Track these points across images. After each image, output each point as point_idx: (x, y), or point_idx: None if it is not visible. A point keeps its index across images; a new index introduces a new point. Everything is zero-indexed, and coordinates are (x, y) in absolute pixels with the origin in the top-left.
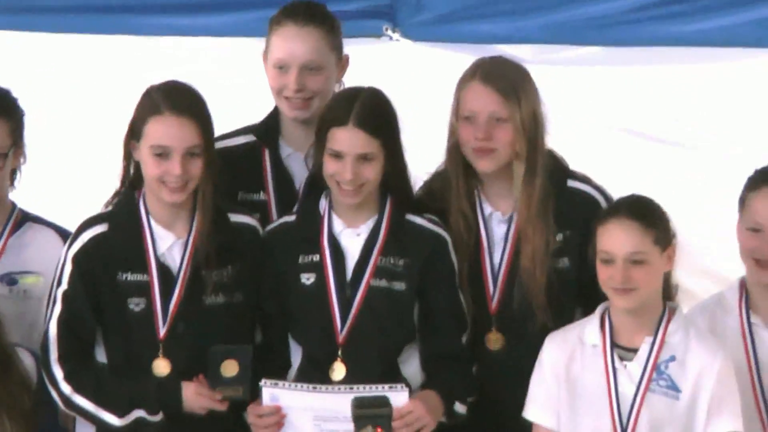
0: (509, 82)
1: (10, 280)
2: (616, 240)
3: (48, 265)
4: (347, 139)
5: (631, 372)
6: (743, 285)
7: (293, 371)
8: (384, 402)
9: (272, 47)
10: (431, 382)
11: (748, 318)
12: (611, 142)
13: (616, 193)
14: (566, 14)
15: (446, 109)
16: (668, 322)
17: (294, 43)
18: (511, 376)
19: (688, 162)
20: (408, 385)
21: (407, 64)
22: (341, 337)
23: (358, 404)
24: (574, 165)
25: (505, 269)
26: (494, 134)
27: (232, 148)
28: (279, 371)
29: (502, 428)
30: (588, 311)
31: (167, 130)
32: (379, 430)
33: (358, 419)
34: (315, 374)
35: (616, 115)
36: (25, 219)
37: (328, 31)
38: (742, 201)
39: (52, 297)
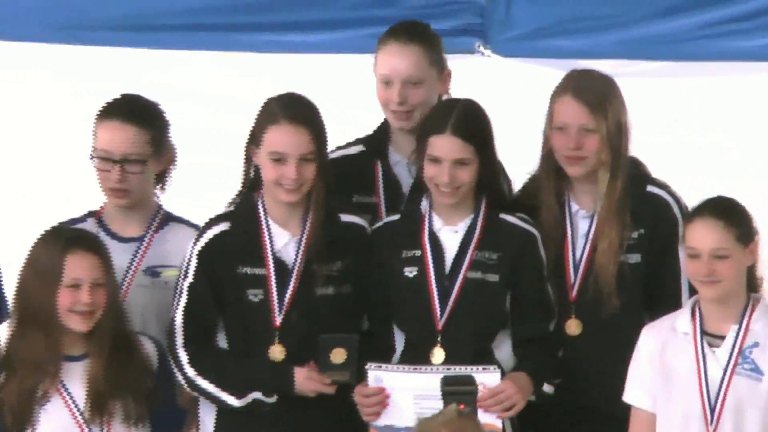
0: (597, 96)
1: (153, 272)
2: (701, 237)
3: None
4: (445, 145)
5: (718, 357)
6: None
7: (396, 356)
8: (470, 380)
9: (378, 64)
10: (521, 364)
11: None
12: (683, 147)
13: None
14: (639, 31)
15: (532, 117)
16: (752, 311)
17: (396, 59)
18: (587, 360)
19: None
20: (500, 367)
21: (497, 77)
22: (440, 324)
23: (446, 382)
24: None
25: (585, 261)
26: (583, 144)
27: (349, 156)
28: (384, 355)
29: (583, 407)
30: (652, 303)
31: (284, 138)
32: (462, 406)
33: (445, 395)
34: (416, 358)
35: (683, 124)
36: (168, 219)
37: (429, 48)
38: None
39: (179, 289)
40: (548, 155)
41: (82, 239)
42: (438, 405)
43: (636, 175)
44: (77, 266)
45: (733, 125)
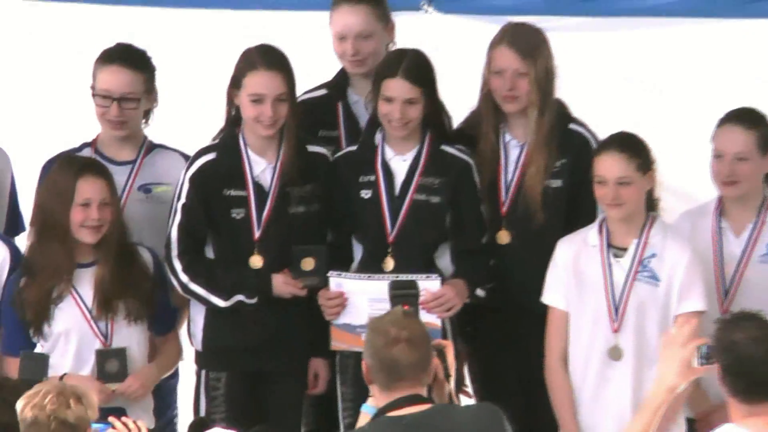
0: (528, 45)
1: (146, 189)
2: (607, 167)
3: (174, 177)
4: (396, 87)
5: (622, 265)
6: (720, 198)
7: (355, 264)
8: (413, 285)
9: (333, 22)
10: (458, 272)
11: (719, 222)
12: (601, 90)
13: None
14: None
15: (470, 65)
16: (650, 227)
17: (349, 17)
18: (515, 266)
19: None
20: (441, 274)
21: (440, 31)
22: (391, 237)
23: (393, 287)
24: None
25: (515, 182)
26: (516, 85)
27: (315, 98)
28: (344, 264)
29: (512, 307)
30: (572, 220)
31: (262, 82)
32: (406, 307)
33: (393, 298)
34: (371, 267)
35: (603, 69)
36: (153, 146)
37: (375, 5)
38: (713, 136)
39: (174, 208)
40: (487, 95)
41: (91, 165)
42: (388, 307)
43: (561, 113)
44: (88, 188)
45: (638, 68)
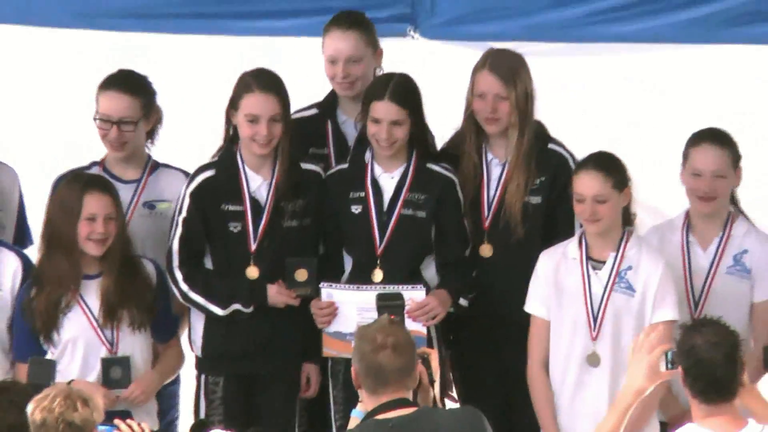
0: (509, 70)
1: (150, 206)
2: (585, 185)
3: (176, 195)
4: (383, 109)
5: (600, 277)
6: (687, 214)
7: (345, 275)
8: (399, 297)
9: (325, 46)
10: (442, 283)
11: (687, 237)
12: (577, 112)
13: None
14: (538, 18)
15: (454, 88)
16: (627, 241)
17: (340, 43)
18: (496, 278)
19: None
20: (426, 285)
21: (425, 56)
22: (379, 250)
23: (380, 298)
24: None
25: (497, 199)
26: (497, 108)
27: (306, 117)
28: (335, 275)
29: (493, 316)
30: (549, 234)
31: (257, 103)
32: (392, 317)
33: (380, 309)
34: (361, 277)
35: (579, 93)
36: (157, 165)
37: (364, 32)
38: (686, 155)
39: (175, 222)
40: (470, 116)
41: (98, 181)
42: (376, 316)
43: (540, 133)
44: (94, 203)
45: (612, 93)
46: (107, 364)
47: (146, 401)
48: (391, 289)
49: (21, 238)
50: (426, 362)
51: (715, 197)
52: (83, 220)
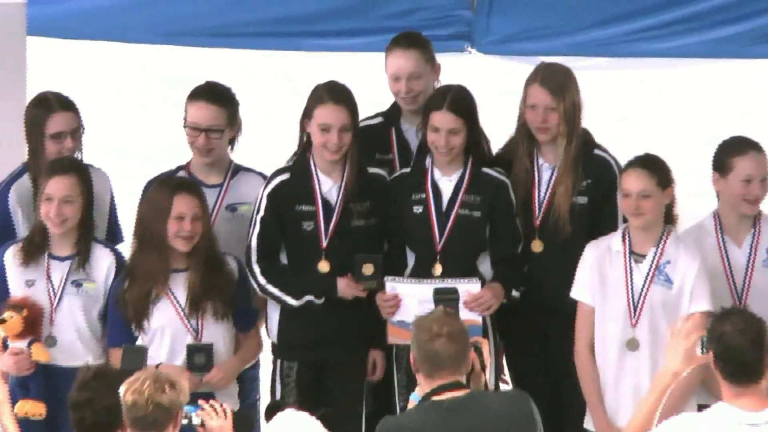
0: (558, 84)
1: (232, 209)
2: (631, 181)
3: (255, 197)
4: (442, 118)
5: (641, 269)
6: (716, 215)
7: (408, 270)
8: (453, 291)
9: (388, 65)
10: (496, 276)
11: (723, 237)
12: (623, 121)
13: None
14: (582, 37)
15: (507, 99)
16: (667, 238)
17: (402, 61)
18: (547, 270)
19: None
20: (482, 278)
21: (481, 70)
22: (439, 247)
23: (436, 292)
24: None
25: (547, 199)
26: (548, 118)
27: (372, 125)
28: (399, 270)
29: (543, 307)
30: (594, 232)
31: (329, 114)
32: (448, 309)
33: (436, 302)
34: (422, 272)
35: (616, 102)
36: (238, 169)
37: (423, 50)
38: (728, 163)
39: (253, 221)
40: (523, 125)
41: (186, 184)
42: (434, 307)
43: (587, 140)
44: (182, 203)
45: (649, 102)
46: (192, 350)
47: (227, 385)
48: (449, 282)
49: (113, 236)
50: (478, 350)
51: (757, 200)
52: (172, 219)
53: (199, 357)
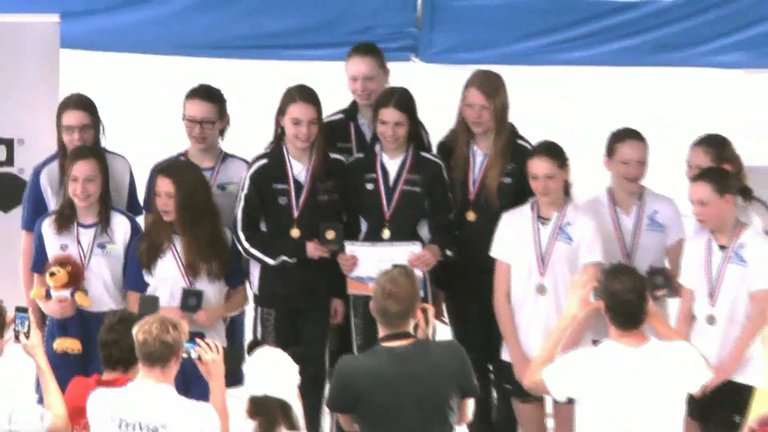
0: (491, 87)
1: (222, 187)
2: (538, 166)
3: (240, 178)
4: (389, 114)
5: (547, 230)
6: (609, 190)
7: (362, 235)
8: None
9: (348, 68)
10: (433, 239)
11: (615, 207)
12: (544, 116)
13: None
14: (510, 48)
15: (446, 101)
16: (567, 205)
17: (359, 65)
18: (478, 238)
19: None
20: (422, 241)
21: (425, 77)
22: (387, 216)
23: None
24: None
25: (479, 179)
26: (482, 115)
27: (334, 120)
28: (354, 235)
29: (473, 265)
30: (517, 205)
31: (300, 110)
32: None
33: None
34: (373, 236)
35: (540, 105)
36: (227, 155)
37: (377, 57)
38: (613, 148)
39: (239, 197)
40: (461, 120)
41: (166, 168)
42: (387, 265)
43: (513, 133)
44: (160, 183)
45: (562, 102)
46: (186, 293)
47: (210, 325)
48: (395, 244)
49: (132, 208)
50: (424, 312)
51: (637, 178)
52: (155, 195)
53: (192, 299)
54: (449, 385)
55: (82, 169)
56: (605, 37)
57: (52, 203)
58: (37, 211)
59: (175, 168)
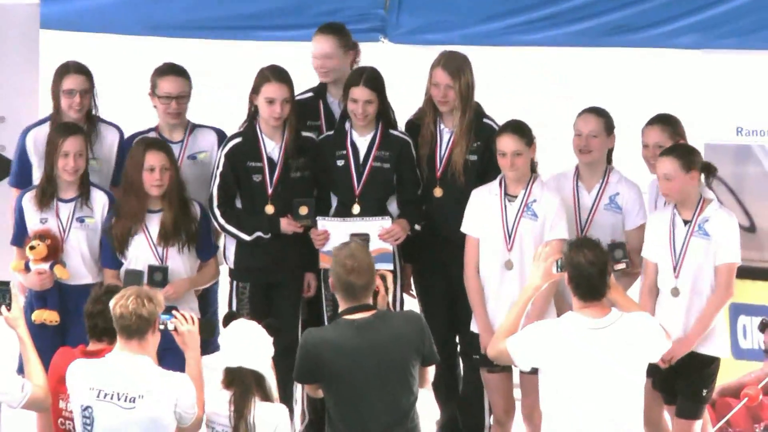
0: (456, 67)
1: (192, 157)
2: (505, 144)
3: (209, 145)
4: (359, 92)
5: (514, 207)
6: (577, 167)
7: (332, 210)
8: (365, 237)
9: (312, 46)
10: (402, 214)
11: (577, 183)
12: (507, 95)
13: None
14: (472, 30)
15: (414, 80)
16: (533, 182)
17: (318, 44)
18: (444, 212)
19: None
20: (391, 216)
21: (392, 56)
22: (357, 191)
23: (352, 236)
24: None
25: (446, 156)
26: (448, 94)
27: (304, 99)
28: (325, 210)
29: (440, 239)
30: (483, 182)
31: (273, 89)
32: (358, 240)
33: (351, 238)
34: (344, 211)
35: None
36: (195, 126)
37: (338, 36)
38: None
39: (214, 175)
40: (428, 99)
41: (156, 142)
42: (357, 239)
43: (478, 112)
44: (153, 158)
45: (525, 81)
46: (151, 269)
47: (176, 298)
48: (366, 220)
49: (116, 180)
50: (384, 278)
51: (590, 151)
52: (146, 171)
53: (157, 275)
54: (410, 353)
55: (73, 144)
56: (565, 18)
57: (35, 164)
58: (22, 170)
59: (161, 143)
